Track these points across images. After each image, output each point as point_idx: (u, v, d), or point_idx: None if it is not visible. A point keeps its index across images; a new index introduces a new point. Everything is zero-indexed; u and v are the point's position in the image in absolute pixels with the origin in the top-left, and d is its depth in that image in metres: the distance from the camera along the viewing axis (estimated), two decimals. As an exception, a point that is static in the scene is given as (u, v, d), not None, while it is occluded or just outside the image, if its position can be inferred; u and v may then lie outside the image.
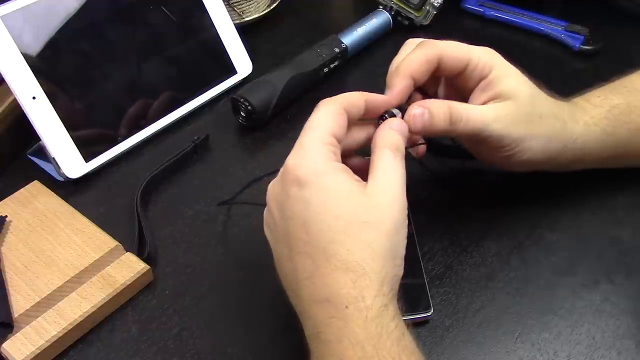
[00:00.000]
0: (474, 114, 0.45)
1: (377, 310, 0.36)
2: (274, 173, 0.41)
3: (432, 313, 0.46)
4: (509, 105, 0.46)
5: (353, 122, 0.43)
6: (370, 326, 0.35)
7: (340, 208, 0.37)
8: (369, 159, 0.41)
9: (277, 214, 0.40)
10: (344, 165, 0.40)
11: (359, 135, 0.44)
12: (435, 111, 0.44)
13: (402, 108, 0.45)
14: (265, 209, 0.42)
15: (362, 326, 0.35)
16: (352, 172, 0.39)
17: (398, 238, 0.38)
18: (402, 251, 0.39)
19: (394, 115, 0.44)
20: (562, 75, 0.70)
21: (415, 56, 0.46)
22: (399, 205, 0.38)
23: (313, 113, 0.41)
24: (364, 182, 0.39)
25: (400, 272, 0.39)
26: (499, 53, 0.49)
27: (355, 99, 0.42)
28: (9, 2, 0.54)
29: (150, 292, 0.50)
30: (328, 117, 0.41)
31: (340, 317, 0.36)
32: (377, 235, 0.37)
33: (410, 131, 0.44)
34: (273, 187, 0.41)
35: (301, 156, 0.39)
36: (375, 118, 0.44)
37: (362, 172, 0.40)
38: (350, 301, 0.36)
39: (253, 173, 0.57)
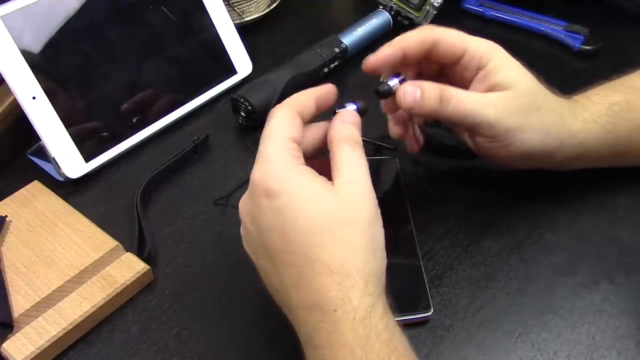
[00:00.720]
0: (464, 96, 0.45)
1: (364, 311, 0.35)
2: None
3: (432, 313, 0.46)
4: (506, 95, 0.46)
5: (307, 122, 0.42)
6: (359, 328, 0.35)
7: (312, 211, 0.37)
8: (329, 158, 0.41)
9: (253, 228, 0.39)
10: (308, 167, 0.39)
11: (314, 135, 0.43)
12: (427, 89, 0.45)
13: (359, 105, 0.44)
14: (241, 226, 0.41)
15: (351, 328, 0.35)
16: (317, 173, 0.39)
17: (374, 230, 0.38)
18: (381, 243, 0.38)
19: (344, 108, 0.43)
20: (562, 75, 0.70)
21: (411, 34, 0.47)
22: (369, 197, 0.38)
23: (267, 122, 0.41)
24: (331, 182, 0.39)
25: (384, 263, 0.38)
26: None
27: (305, 99, 0.42)
28: (9, 2, 0.54)
29: (150, 292, 0.50)
30: (284, 123, 0.40)
31: (330, 321, 0.36)
32: (353, 232, 0.37)
33: (402, 107, 0.45)
34: (244, 202, 0.40)
35: (265, 166, 0.38)
36: (329, 111, 0.44)
37: (325, 173, 0.40)
38: (338, 304, 0.35)
39: (253, 173, 0.57)
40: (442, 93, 0.45)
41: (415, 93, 0.45)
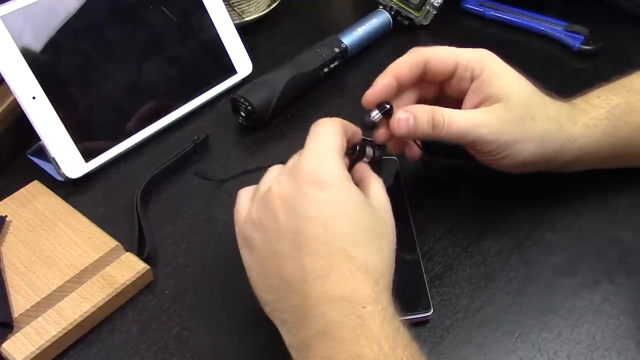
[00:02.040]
0: (456, 119, 0.46)
1: (392, 314, 0.37)
2: (264, 168, 0.42)
3: (432, 313, 0.46)
4: (499, 108, 0.47)
5: None
6: (387, 327, 0.36)
7: (360, 214, 0.39)
8: None
9: (284, 212, 0.39)
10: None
11: None
12: (419, 116, 0.46)
13: (374, 145, 0.48)
14: (256, 207, 0.41)
15: (379, 326, 0.36)
16: None
17: (394, 251, 0.41)
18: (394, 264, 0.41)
19: (364, 149, 0.47)
20: (562, 75, 0.70)
21: (401, 59, 0.49)
22: (393, 222, 0.42)
23: (317, 126, 0.42)
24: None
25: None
26: (499, 53, 0.49)
27: (345, 123, 0.44)
28: (9, 2, 0.54)
29: (150, 292, 0.50)
30: (336, 131, 0.42)
31: (357, 315, 0.36)
32: (387, 245, 0.40)
33: (396, 135, 0.47)
34: (280, 186, 0.40)
35: (320, 160, 0.40)
36: (349, 149, 0.46)
37: None
38: (369, 302, 0.37)
39: (253, 173, 0.57)
40: (434, 117, 0.46)
41: (409, 121, 0.46)
